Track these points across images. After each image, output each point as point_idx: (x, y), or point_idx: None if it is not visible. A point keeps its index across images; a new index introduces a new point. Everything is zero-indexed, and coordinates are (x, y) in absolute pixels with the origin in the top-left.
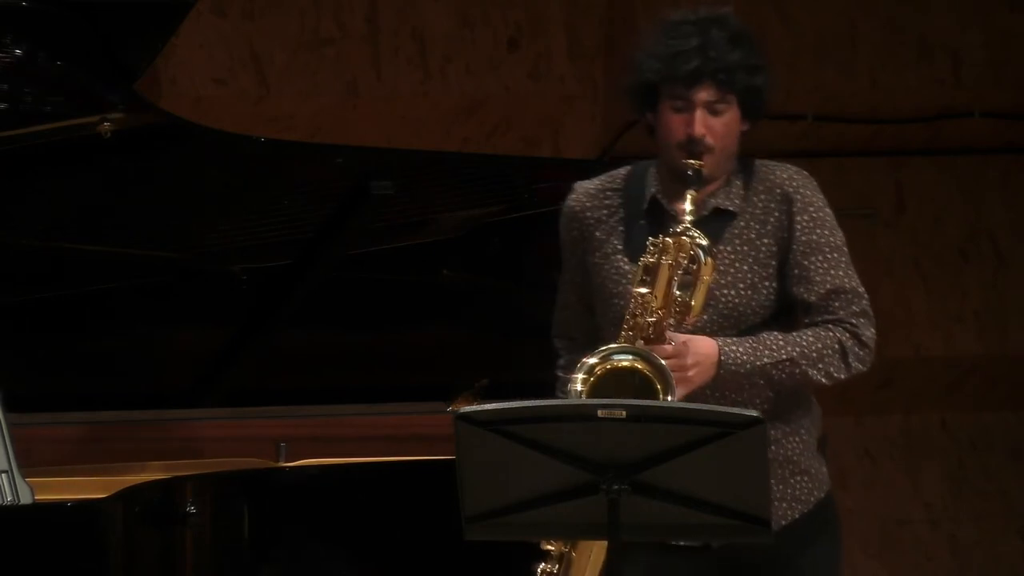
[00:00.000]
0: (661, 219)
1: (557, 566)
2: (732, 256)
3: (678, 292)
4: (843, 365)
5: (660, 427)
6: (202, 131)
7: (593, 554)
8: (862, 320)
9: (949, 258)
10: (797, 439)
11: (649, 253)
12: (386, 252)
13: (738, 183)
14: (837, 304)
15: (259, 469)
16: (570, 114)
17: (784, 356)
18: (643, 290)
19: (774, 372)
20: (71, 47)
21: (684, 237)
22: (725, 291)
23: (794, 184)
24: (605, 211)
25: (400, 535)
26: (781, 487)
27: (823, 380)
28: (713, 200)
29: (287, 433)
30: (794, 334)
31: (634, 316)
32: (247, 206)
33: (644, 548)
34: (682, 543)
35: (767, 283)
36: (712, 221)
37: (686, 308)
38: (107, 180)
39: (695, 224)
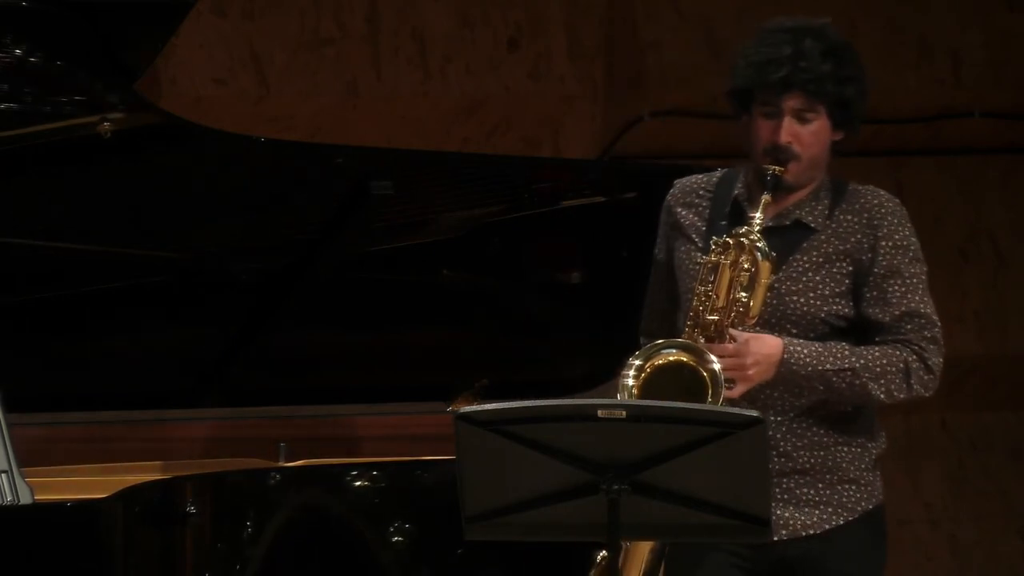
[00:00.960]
0: (741, 221)
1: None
2: (806, 265)
3: (741, 293)
4: (905, 385)
5: (660, 427)
6: (202, 131)
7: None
8: (931, 346)
9: (949, 258)
10: (848, 449)
11: (712, 253)
12: (386, 252)
13: (826, 201)
14: (909, 327)
15: (259, 469)
16: (570, 114)
17: (847, 365)
18: (704, 288)
19: (835, 379)
20: (71, 47)
21: (743, 239)
22: (795, 298)
23: (883, 211)
24: (694, 208)
25: (400, 535)
26: (828, 492)
27: (882, 396)
28: (797, 212)
29: (287, 433)
30: (862, 347)
31: (697, 313)
32: (247, 206)
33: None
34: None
35: (838, 299)
36: (792, 232)
37: (746, 309)
38: (107, 180)
39: (772, 231)
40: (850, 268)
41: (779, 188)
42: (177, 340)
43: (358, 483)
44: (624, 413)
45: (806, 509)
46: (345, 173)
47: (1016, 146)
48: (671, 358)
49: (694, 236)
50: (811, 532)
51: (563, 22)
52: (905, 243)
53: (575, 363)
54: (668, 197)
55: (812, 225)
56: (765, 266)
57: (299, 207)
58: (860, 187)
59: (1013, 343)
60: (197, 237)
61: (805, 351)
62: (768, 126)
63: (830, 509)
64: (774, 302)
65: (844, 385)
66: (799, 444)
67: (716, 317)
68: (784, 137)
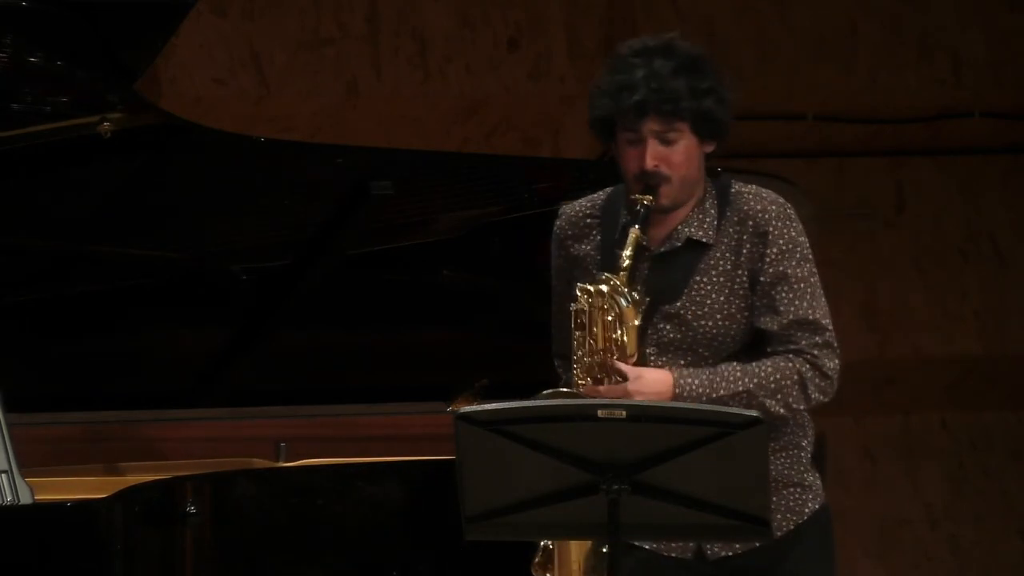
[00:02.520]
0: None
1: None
2: (708, 287)
3: (615, 334)
4: (802, 396)
5: (660, 427)
6: (202, 131)
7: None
8: (825, 351)
9: (949, 258)
10: (784, 455)
11: (578, 301)
12: (386, 252)
13: (712, 211)
14: (799, 335)
15: (259, 469)
16: (570, 114)
17: (741, 388)
18: (580, 332)
19: (731, 404)
20: (71, 47)
21: (603, 285)
22: (702, 322)
23: (767, 216)
24: (586, 239)
25: (400, 535)
26: (775, 499)
27: (782, 411)
28: (686, 230)
29: (287, 433)
30: (753, 364)
31: (579, 357)
32: (247, 206)
33: (636, 555)
34: (674, 554)
35: (744, 313)
36: (686, 253)
37: (623, 348)
38: (107, 180)
39: (666, 256)
40: (747, 279)
41: (648, 220)
42: (177, 340)
43: (358, 483)
44: (624, 413)
45: None
46: (345, 173)
47: (1016, 146)
48: None
49: (592, 268)
50: (764, 541)
51: (563, 22)
52: (790, 246)
53: None
54: (556, 229)
55: (704, 240)
56: (629, 311)
57: (299, 207)
58: (744, 189)
59: (1013, 343)
60: (197, 237)
61: (696, 381)
62: (633, 153)
63: (779, 515)
64: (682, 328)
65: (743, 407)
66: None
67: (598, 358)
68: (650, 163)
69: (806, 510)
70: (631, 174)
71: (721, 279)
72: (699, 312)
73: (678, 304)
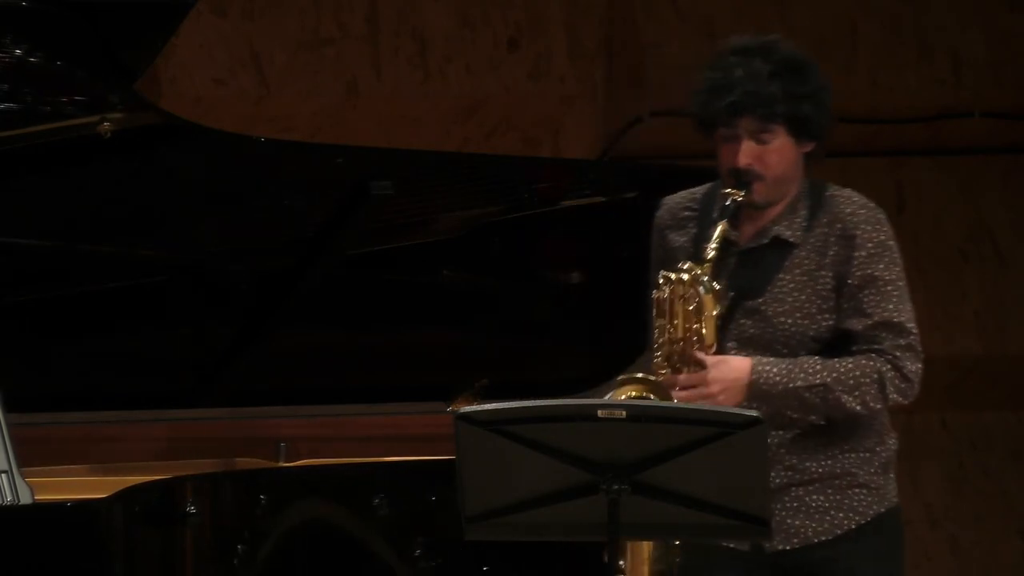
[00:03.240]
0: (724, 243)
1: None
2: (791, 285)
3: (695, 325)
4: (881, 395)
5: (660, 427)
6: (202, 131)
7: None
8: (907, 354)
9: (949, 258)
10: (855, 455)
11: (660, 288)
12: (386, 252)
13: (803, 212)
14: (884, 336)
15: (259, 469)
16: (570, 114)
17: (818, 380)
18: (662, 321)
19: (807, 395)
20: (71, 47)
21: (685, 274)
22: (782, 319)
23: (855, 219)
24: (682, 228)
25: (400, 535)
26: (837, 497)
27: (858, 408)
28: (775, 228)
29: (287, 433)
30: (834, 360)
31: (660, 346)
32: (247, 206)
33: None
34: (731, 545)
35: (825, 315)
36: (772, 251)
37: (702, 339)
38: (107, 180)
39: (752, 252)
40: (832, 281)
41: (738, 215)
42: (177, 340)
43: (358, 483)
44: (624, 413)
45: (816, 516)
46: (345, 173)
47: (1016, 146)
48: (632, 394)
49: (683, 258)
50: (823, 539)
51: (563, 22)
52: (879, 250)
53: (575, 363)
54: (657, 219)
55: (791, 240)
56: (708, 299)
57: (299, 207)
58: (837, 192)
59: (1013, 343)
60: (197, 237)
61: (774, 370)
62: (729, 150)
63: (840, 514)
64: (762, 324)
65: (818, 400)
66: (805, 455)
67: (679, 346)
68: (743, 161)
69: (871, 512)
70: (725, 170)
71: (804, 278)
72: (779, 309)
73: (759, 300)
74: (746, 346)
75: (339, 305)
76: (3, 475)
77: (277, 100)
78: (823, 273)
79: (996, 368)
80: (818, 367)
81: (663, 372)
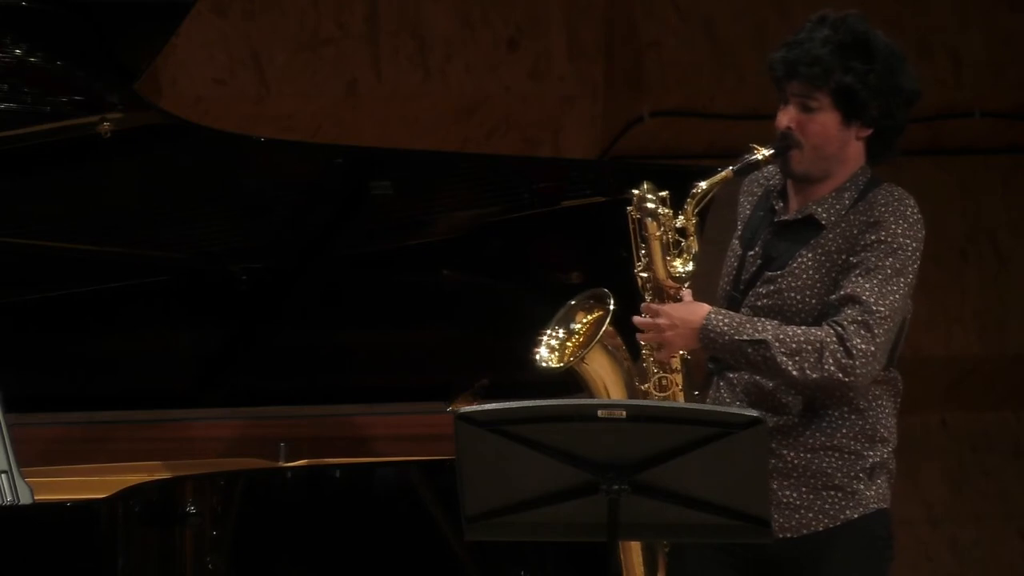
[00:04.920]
0: (770, 212)
1: None
2: (810, 263)
3: (669, 259)
4: (818, 365)
5: (660, 427)
6: (202, 131)
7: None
8: (860, 329)
9: (949, 258)
10: (837, 455)
11: (636, 235)
12: (386, 252)
13: (847, 201)
14: (845, 308)
15: (259, 469)
16: (570, 114)
17: (759, 337)
18: (644, 274)
19: (749, 350)
20: (71, 47)
21: (648, 195)
22: (793, 294)
23: (883, 209)
24: (752, 196)
25: (400, 535)
26: (810, 497)
27: (794, 373)
28: (813, 207)
29: (287, 433)
30: (789, 326)
31: (645, 291)
32: (247, 206)
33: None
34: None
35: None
36: (802, 227)
37: (679, 279)
38: (107, 180)
39: (787, 224)
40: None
41: (751, 166)
42: (177, 340)
43: (358, 483)
44: (624, 413)
45: (786, 512)
46: (345, 173)
47: (1016, 146)
48: (588, 318)
49: (739, 226)
50: (788, 536)
51: (563, 22)
52: (888, 239)
53: None
54: (744, 182)
55: (822, 221)
56: (652, 224)
57: (299, 207)
58: (886, 187)
59: (1013, 343)
60: (197, 237)
61: (725, 320)
62: (780, 112)
63: (810, 514)
64: (775, 295)
65: (759, 359)
66: (786, 442)
67: (648, 274)
68: (784, 121)
69: (841, 516)
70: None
71: (823, 258)
72: (793, 284)
73: (778, 273)
74: (757, 315)
75: (339, 305)
76: (3, 475)
77: (277, 100)
78: (843, 256)
79: (996, 368)
80: (768, 326)
81: (648, 297)
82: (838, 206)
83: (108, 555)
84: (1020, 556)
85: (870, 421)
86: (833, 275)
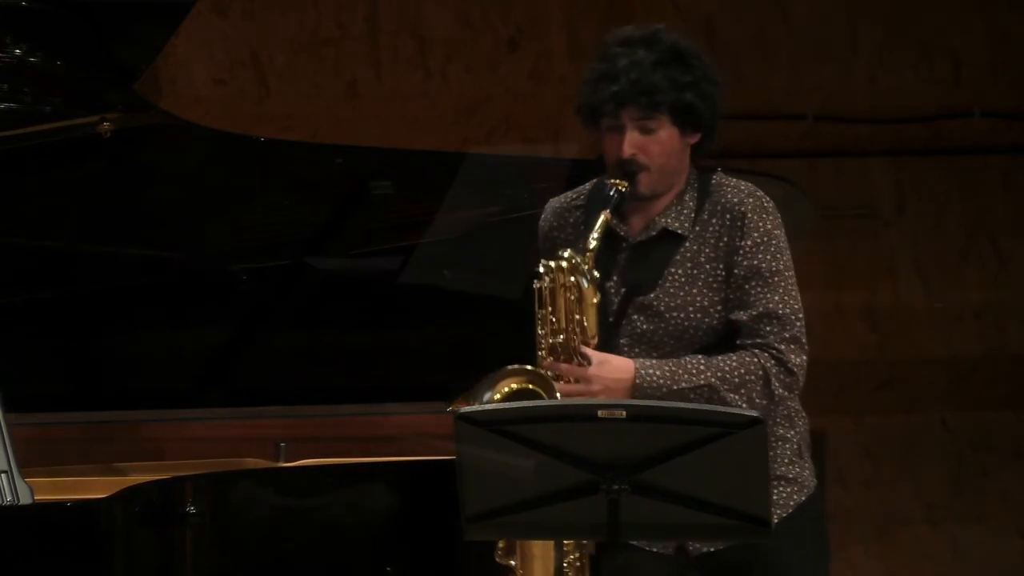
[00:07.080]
0: (613, 237)
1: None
2: (683, 279)
3: (577, 316)
4: (766, 391)
5: (660, 427)
6: (202, 131)
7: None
8: (792, 347)
9: (949, 258)
10: (771, 451)
11: (542, 277)
12: (386, 252)
13: (690, 203)
14: (768, 328)
15: (259, 469)
16: (570, 114)
17: (703, 381)
18: (544, 311)
19: (692, 396)
20: (71, 47)
21: (564, 263)
22: (675, 313)
23: (743, 208)
24: (570, 228)
25: (400, 535)
26: None
27: (744, 405)
28: (663, 220)
29: (287, 433)
30: (718, 358)
31: (543, 335)
32: (247, 206)
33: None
34: (655, 548)
35: (718, 307)
36: (662, 243)
37: (583, 330)
38: (107, 180)
39: (642, 245)
40: (723, 273)
41: (622, 205)
42: (177, 340)
43: (357, 483)
44: (624, 413)
45: None
46: (345, 173)
47: (1016, 146)
48: (514, 386)
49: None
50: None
51: (563, 22)
52: (765, 239)
53: None
54: (541, 223)
55: (680, 232)
56: (589, 290)
57: (299, 207)
58: (723, 182)
59: (1013, 343)
60: (197, 237)
61: (657, 372)
62: (613, 140)
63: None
64: (655, 320)
65: (705, 400)
66: None
67: (562, 338)
68: (627, 151)
69: (791, 503)
70: (610, 161)
71: (695, 271)
72: (672, 304)
73: (651, 296)
74: (639, 342)
75: (339, 305)
76: (3, 475)
77: (277, 100)
78: (713, 265)
79: (996, 368)
80: (702, 367)
81: (547, 363)
82: (685, 211)
83: (108, 555)
84: (1020, 556)
85: (783, 404)
86: (714, 286)
